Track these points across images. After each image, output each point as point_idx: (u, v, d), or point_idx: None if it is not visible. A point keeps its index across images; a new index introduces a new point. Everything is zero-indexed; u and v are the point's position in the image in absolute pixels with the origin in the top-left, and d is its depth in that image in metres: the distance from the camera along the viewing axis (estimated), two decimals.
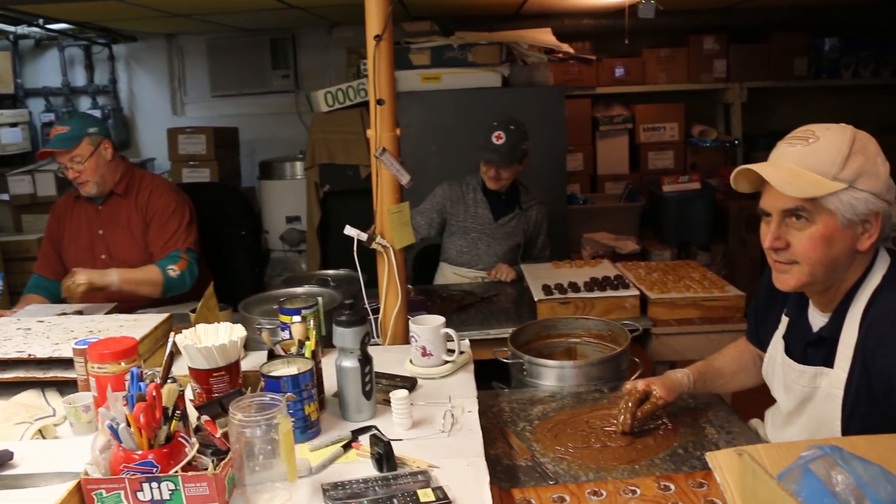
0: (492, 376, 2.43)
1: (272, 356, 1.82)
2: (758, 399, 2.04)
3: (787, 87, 5.61)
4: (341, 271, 3.43)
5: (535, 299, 2.84)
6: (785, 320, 1.78)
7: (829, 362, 1.61)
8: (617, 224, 5.10)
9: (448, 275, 3.65)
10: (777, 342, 1.80)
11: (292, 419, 1.56)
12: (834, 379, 1.59)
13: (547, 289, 2.88)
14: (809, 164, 1.50)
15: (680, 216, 5.10)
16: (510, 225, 3.58)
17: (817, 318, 1.67)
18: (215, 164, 5.23)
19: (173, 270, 3.08)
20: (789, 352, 1.74)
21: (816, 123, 1.56)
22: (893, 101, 5.57)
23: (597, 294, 2.84)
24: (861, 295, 1.57)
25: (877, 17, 5.30)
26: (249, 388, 1.77)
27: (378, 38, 2.23)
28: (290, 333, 1.93)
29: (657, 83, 5.56)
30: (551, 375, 2.20)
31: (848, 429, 1.57)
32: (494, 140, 3.38)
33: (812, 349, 1.67)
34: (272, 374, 1.69)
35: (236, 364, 1.77)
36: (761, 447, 1.18)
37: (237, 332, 1.79)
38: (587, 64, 5.38)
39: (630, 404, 1.88)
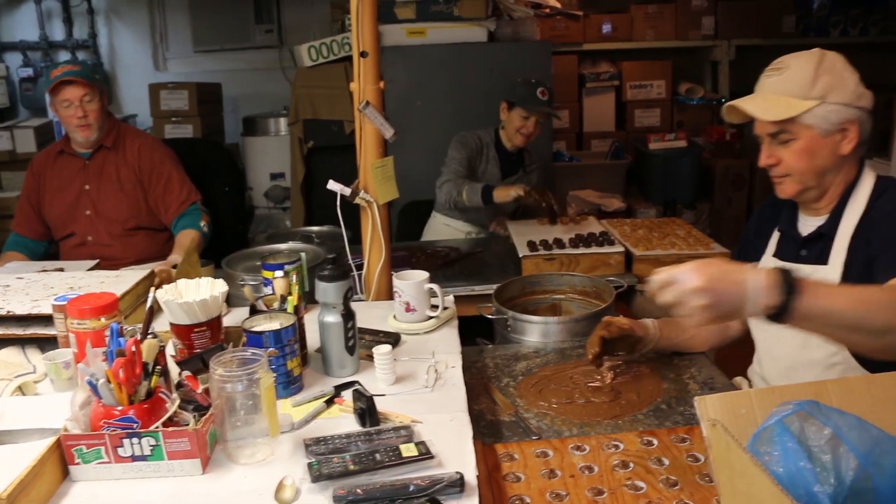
0: (476, 332, 2.43)
1: (254, 311, 1.80)
2: (741, 358, 2.06)
3: (776, 44, 5.49)
4: (325, 228, 3.41)
5: (520, 255, 2.83)
6: (776, 235, 1.92)
7: (822, 259, 1.75)
8: (603, 182, 5.08)
9: (438, 226, 3.63)
10: (769, 263, 1.88)
11: (274, 374, 1.55)
12: (829, 273, 1.71)
13: (532, 245, 2.87)
14: (783, 89, 1.70)
15: (666, 174, 5.09)
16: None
17: (811, 223, 1.82)
18: (198, 121, 5.16)
19: (206, 226, 3.11)
20: (783, 260, 1.85)
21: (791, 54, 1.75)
22: (882, 59, 5.53)
23: (582, 250, 2.84)
24: (856, 195, 1.74)
25: None
26: (231, 344, 1.75)
27: None
28: (273, 289, 1.91)
29: (644, 40, 5.51)
30: (535, 331, 2.20)
31: None
32: (540, 95, 3.42)
33: (807, 249, 1.80)
34: (254, 329, 1.68)
35: (218, 319, 1.75)
36: (753, 392, 1.18)
37: (218, 286, 1.77)
38: (574, 20, 5.33)
39: (599, 335, 1.92)
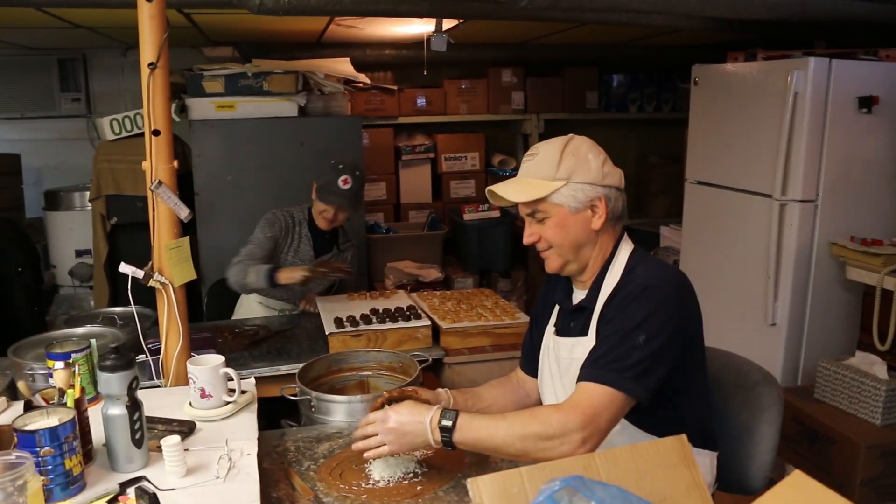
0: (283, 413, 2.38)
1: (29, 407, 1.68)
2: None
3: (581, 119, 5.89)
4: (130, 308, 3.25)
5: (327, 332, 2.81)
6: (556, 308, 2.02)
7: (584, 331, 1.86)
8: (421, 252, 5.15)
9: (251, 304, 3.55)
10: (549, 334, 2.01)
11: (48, 476, 1.45)
12: (588, 345, 1.81)
13: (339, 321, 2.86)
14: (534, 173, 1.83)
15: (481, 244, 5.22)
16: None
17: (578, 295, 1.94)
18: None
19: None
20: (558, 332, 1.97)
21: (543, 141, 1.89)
22: (673, 133, 5.99)
23: (388, 326, 2.85)
24: (612, 270, 1.85)
25: (656, 56, 5.70)
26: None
27: (152, 65, 2.15)
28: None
29: (458, 113, 5.69)
30: (340, 411, 2.17)
31: None
32: (341, 184, 3.33)
33: (573, 322, 1.92)
34: (26, 427, 1.56)
35: None
36: (524, 470, 1.21)
37: None
38: (389, 94, 5.44)
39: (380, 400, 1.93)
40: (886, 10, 3.47)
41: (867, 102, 3.36)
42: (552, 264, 1.89)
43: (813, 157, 3.40)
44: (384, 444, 1.74)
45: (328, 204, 3.37)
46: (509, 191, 1.84)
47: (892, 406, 3.00)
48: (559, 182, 1.79)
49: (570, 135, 1.87)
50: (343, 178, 3.34)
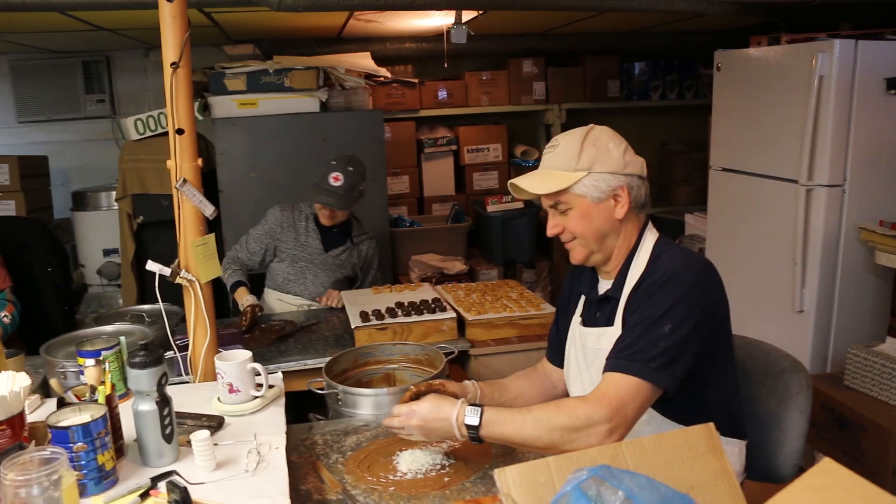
0: (310, 407, 2.39)
1: (62, 404, 1.71)
2: None
3: (603, 108, 5.86)
4: (158, 306, 3.29)
5: (352, 326, 2.82)
6: (582, 298, 2.02)
7: (610, 321, 1.86)
8: (444, 245, 5.16)
9: (272, 301, 3.56)
10: (575, 325, 2.01)
11: (82, 471, 1.47)
12: (614, 335, 1.80)
13: (364, 315, 2.87)
14: (556, 164, 1.82)
15: (504, 235, 5.22)
16: (340, 258, 3.55)
17: (603, 285, 1.94)
18: (21, 196, 4.89)
19: (7, 317, 2.92)
20: (584, 323, 1.97)
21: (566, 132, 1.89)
22: (696, 120, 5.95)
23: (414, 318, 2.85)
24: (637, 257, 1.85)
25: (678, 43, 5.65)
26: (34, 442, 1.65)
27: (175, 65, 2.17)
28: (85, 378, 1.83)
29: (480, 105, 5.68)
30: (367, 404, 2.18)
31: None
32: (332, 182, 3.28)
33: (599, 312, 1.92)
34: (60, 423, 1.59)
35: (20, 416, 1.64)
36: (551, 460, 1.21)
37: (20, 380, 1.67)
38: (410, 87, 5.45)
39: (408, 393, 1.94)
40: None
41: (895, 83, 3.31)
42: (577, 255, 1.89)
43: (840, 141, 3.36)
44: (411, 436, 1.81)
45: (318, 203, 3.37)
46: (531, 183, 1.84)
47: None
48: (581, 173, 1.79)
49: (591, 125, 1.86)
50: (334, 175, 3.29)
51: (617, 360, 1.70)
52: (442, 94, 5.59)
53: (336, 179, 3.28)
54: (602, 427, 1.61)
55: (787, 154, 3.56)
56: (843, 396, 3.14)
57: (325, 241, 3.51)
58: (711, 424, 1.32)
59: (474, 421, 1.70)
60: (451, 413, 1.74)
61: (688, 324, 1.68)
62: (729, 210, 4.12)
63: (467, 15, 4.07)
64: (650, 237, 1.88)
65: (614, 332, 1.81)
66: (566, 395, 2.10)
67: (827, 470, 1.15)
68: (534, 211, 5.38)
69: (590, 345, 1.91)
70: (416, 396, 1.91)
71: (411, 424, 1.77)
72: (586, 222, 1.82)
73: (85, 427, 1.58)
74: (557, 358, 2.10)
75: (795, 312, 3.56)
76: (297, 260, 3.48)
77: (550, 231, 1.88)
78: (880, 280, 3.50)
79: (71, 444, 1.56)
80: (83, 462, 1.58)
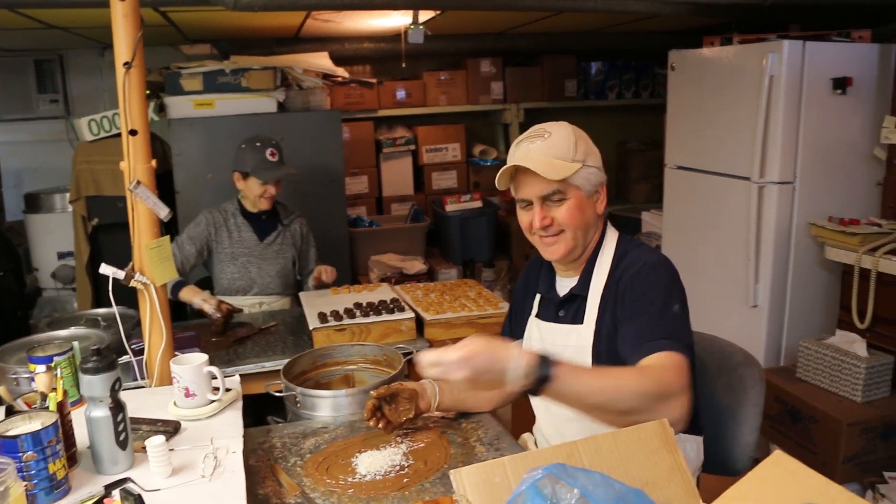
0: (269, 410, 2.38)
1: (11, 412, 1.68)
2: (533, 416, 2.12)
3: (560, 107, 5.89)
4: (113, 310, 3.24)
5: (311, 328, 2.81)
6: (538, 297, 2.03)
7: (578, 319, 1.87)
8: (404, 245, 5.16)
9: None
10: (531, 325, 2.02)
11: (32, 481, 1.44)
12: (584, 332, 1.85)
13: (322, 316, 2.85)
14: (554, 153, 1.80)
15: (464, 234, 5.23)
16: (277, 243, 3.55)
17: (566, 284, 1.95)
18: None
19: None
20: (543, 321, 1.97)
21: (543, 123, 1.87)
22: (652, 119, 6.01)
23: (372, 319, 2.85)
24: (602, 255, 1.89)
25: (634, 43, 5.71)
26: None
27: (128, 65, 2.14)
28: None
29: (438, 105, 5.69)
30: (325, 406, 2.17)
31: None
32: (271, 157, 3.39)
33: (562, 311, 1.93)
34: (8, 433, 1.56)
35: None
36: (507, 459, 1.22)
37: None
38: (368, 87, 5.43)
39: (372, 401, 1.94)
40: None
41: (841, 83, 3.39)
42: (560, 249, 1.87)
43: (789, 139, 3.43)
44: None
45: (268, 182, 3.40)
46: (540, 167, 1.77)
47: (872, 383, 3.04)
48: (577, 164, 1.80)
49: (566, 122, 1.87)
50: (269, 151, 3.40)
51: (651, 344, 1.65)
52: (400, 94, 5.58)
53: (273, 154, 3.40)
54: (683, 398, 1.57)
55: (740, 152, 3.62)
56: (795, 389, 3.21)
57: (258, 230, 3.53)
58: (665, 421, 1.34)
59: (548, 372, 1.45)
60: (508, 353, 1.46)
61: (685, 303, 1.76)
62: (684, 207, 4.18)
63: (425, 15, 4.07)
64: (612, 235, 1.93)
65: (584, 329, 1.84)
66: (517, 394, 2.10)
67: (778, 462, 1.18)
68: (492, 210, 5.40)
69: (558, 342, 1.90)
70: (379, 406, 1.92)
71: (454, 359, 1.43)
72: (579, 214, 1.83)
73: (35, 435, 1.55)
74: None
75: (749, 307, 3.62)
76: (236, 256, 3.49)
77: (540, 222, 1.84)
78: (830, 274, 3.58)
79: (20, 454, 1.52)
80: (33, 472, 1.54)
